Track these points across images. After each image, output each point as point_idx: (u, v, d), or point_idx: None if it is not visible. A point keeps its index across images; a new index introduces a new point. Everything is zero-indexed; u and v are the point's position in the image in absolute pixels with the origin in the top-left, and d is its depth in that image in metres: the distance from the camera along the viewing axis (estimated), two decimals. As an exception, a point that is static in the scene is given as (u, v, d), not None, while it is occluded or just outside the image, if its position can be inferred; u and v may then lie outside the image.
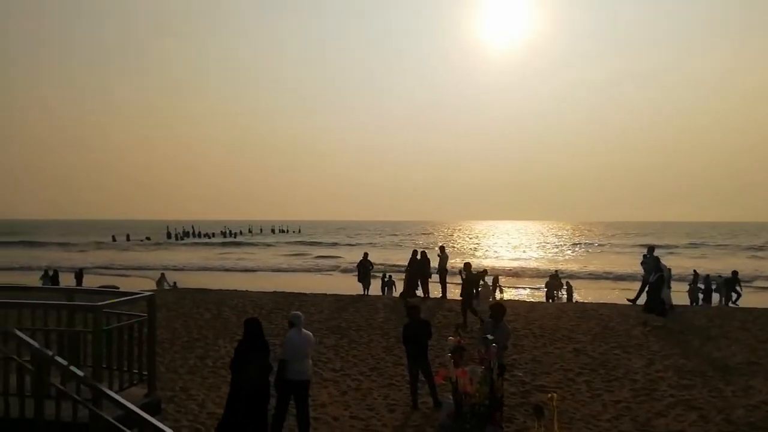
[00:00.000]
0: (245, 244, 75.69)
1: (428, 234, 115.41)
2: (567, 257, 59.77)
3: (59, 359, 4.68)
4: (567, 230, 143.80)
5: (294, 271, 41.99)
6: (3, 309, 5.27)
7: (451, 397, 7.75)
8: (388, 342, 12.68)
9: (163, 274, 29.02)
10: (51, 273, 25.17)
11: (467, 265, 16.09)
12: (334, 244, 75.22)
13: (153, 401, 5.27)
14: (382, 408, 8.47)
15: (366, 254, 22.14)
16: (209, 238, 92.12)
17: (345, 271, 39.04)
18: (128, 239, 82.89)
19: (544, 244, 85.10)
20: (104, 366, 4.94)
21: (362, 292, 20.79)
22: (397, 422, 7.94)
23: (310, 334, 7.47)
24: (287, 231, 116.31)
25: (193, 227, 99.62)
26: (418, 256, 18.96)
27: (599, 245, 75.33)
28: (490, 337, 7.61)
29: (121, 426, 4.42)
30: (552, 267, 36.03)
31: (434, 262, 19.16)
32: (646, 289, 15.73)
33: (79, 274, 25.72)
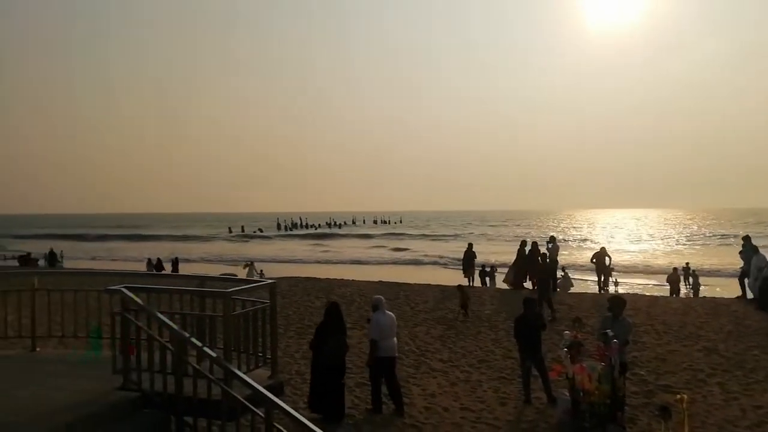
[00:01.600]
0: (348, 235, 77.46)
1: (532, 224, 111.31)
2: (691, 248, 55.06)
3: (195, 341, 5.09)
4: (691, 219, 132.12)
5: (395, 263, 42.13)
6: (145, 293, 5.78)
7: (567, 393, 7.42)
8: (497, 334, 12.44)
9: (252, 263, 30.52)
10: (154, 261, 29.04)
11: (543, 256, 15.59)
12: (426, 236, 74.11)
13: (276, 383, 5.55)
14: (493, 401, 8.32)
15: (470, 245, 21.89)
16: (315, 228, 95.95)
17: (445, 264, 38.63)
18: (243, 230, 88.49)
19: (664, 233, 78.87)
20: (233, 349, 5.27)
21: (467, 283, 20.59)
22: (509, 416, 7.77)
23: (393, 315, 8.24)
24: (389, 222, 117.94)
25: (300, 218, 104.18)
26: (528, 247, 18.40)
27: (727, 235, 68.14)
28: (610, 332, 7.20)
29: (249, 405, 4.72)
30: (675, 259, 33.38)
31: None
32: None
33: (175, 263, 29.51)
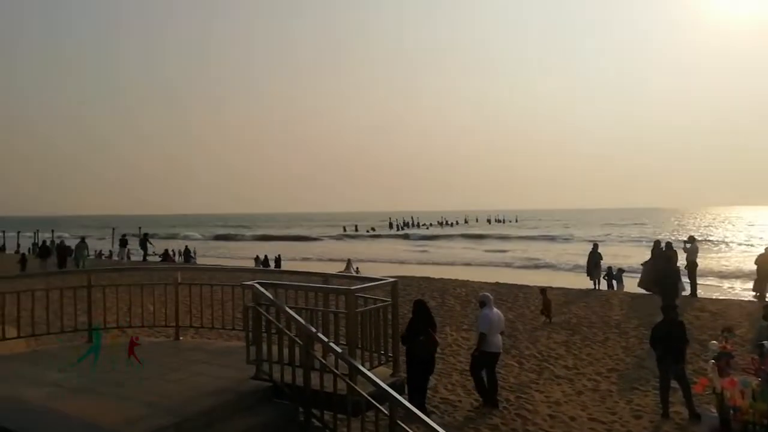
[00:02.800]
0: (461, 235, 76.05)
1: (659, 223, 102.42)
2: None
3: (321, 336, 5.23)
4: None
5: (510, 264, 40.62)
6: (272, 289, 6.06)
7: (713, 409, 6.67)
8: (628, 342, 11.56)
9: (349, 260, 31.44)
10: (262, 258, 33.68)
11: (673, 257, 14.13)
12: (543, 237, 69.30)
13: (398, 381, 5.57)
14: (626, 413, 7.71)
15: (596, 245, 20.63)
16: (427, 227, 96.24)
17: (563, 266, 36.64)
18: (356, 230, 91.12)
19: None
20: (357, 346, 5.36)
21: (592, 286, 19.44)
22: (645, 430, 7.15)
23: (501, 313, 8.58)
24: (503, 221, 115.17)
25: (412, 218, 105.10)
26: (662, 247, 16.97)
27: None
28: (767, 344, 6.37)
29: (373, 401, 4.75)
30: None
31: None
32: None
33: (277, 260, 33.27)
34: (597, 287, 19.49)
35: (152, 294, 8.41)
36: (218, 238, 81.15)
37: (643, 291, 17.61)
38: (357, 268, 29.19)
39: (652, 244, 18.96)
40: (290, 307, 5.59)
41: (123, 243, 38.25)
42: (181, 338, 7.67)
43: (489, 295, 8.54)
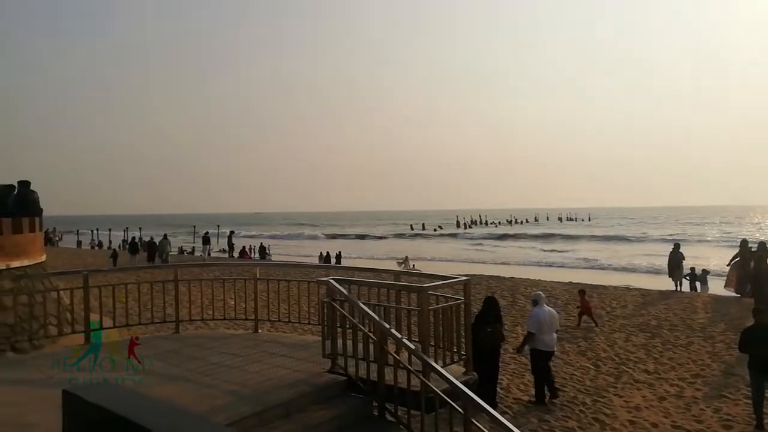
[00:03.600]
0: (530, 234, 73.91)
1: (743, 222, 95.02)
2: None
3: (395, 332, 5.31)
4: None
5: (579, 265, 39.01)
6: (345, 285, 6.19)
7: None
8: (714, 347, 10.91)
9: (406, 257, 31.89)
10: (325, 254, 36.96)
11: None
12: (619, 237, 64.69)
13: (471, 380, 5.54)
14: (714, 422, 7.30)
15: (677, 245, 19.57)
16: (495, 225, 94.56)
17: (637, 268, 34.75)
18: (423, 228, 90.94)
19: None
20: (431, 343, 5.39)
21: (672, 288, 18.47)
22: (735, 442, 6.75)
23: (554, 311, 8.65)
24: (575, 219, 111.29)
25: (480, 216, 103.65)
26: (751, 247, 15.86)
27: None
28: None
29: (447, 398, 4.77)
30: None
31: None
32: None
33: (338, 257, 35.60)
34: (679, 289, 18.49)
35: (232, 288, 8.84)
36: (290, 236, 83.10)
37: (730, 293, 16.57)
38: (414, 264, 29.52)
39: (738, 243, 17.77)
40: (363, 303, 5.70)
41: (205, 240, 40.36)
42: (259, 331, 7.99)
43: (541, 293, 8.76)
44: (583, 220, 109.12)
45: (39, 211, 12.61)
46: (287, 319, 8.31)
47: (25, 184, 12.70)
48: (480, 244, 61.42)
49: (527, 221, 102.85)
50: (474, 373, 5.85)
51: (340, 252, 38.49)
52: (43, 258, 12.91)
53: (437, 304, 5.80)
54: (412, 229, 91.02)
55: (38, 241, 12.96)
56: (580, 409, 7.74)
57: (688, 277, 19.41)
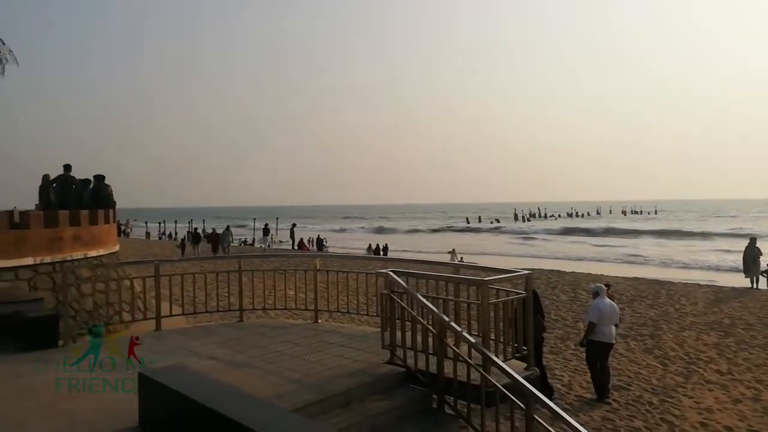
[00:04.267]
0: (591, 229, 70.99)
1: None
2: None
3: (454, 325, 5.27)
4: None
5: (645, 262, 36.85)
6: (404, 277, 6.18)
7: None
8: (796, 348, 10.23)
9: (453, 250, 32.00)
10: (374, 247, 38.51)
11: None
12: (688, 233, 59.54)
13: (532, 376, 5.43)
14: (796, 428, 6.85)
15: (753, 240, 18.45)
16: (555, 219, 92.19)
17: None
18: (480, 221, 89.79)
19: None
20: (491, 337, 5.32)
21: (748, 285, 17.43)
22: (820, 450, 6.32)
23: (615, 304, 8.59)
24: (640, 212, 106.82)
25: (539, 209, 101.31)
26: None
27: None
28: None
29: (509, 393, 4.70)
30: None
31: None
32: None
33: (385, 249, 37.17)
34: (755, 286, 17.43)
35: (291, 279, 9.05)
36: (349, 229, 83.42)
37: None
38: (461, 257, 29.50)
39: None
40: (422, 296, 5.69)
41: (266, 232, 41.57)
42: (319, 321, 8.14)
43: (602, 285, 8.78)
44: (648, 213, 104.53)
45: (112, 204, 13.34)
46: (345, 310, 8.43)
47: (99, 179, 13.46)
48: (531, 237, 59.86)
49: (589, 214, 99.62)
50: (536, 368, 5.74)
51: (386, 245, 39.54)
52: (117, 248, 13.66)
53: (497, 298, 5.71)
54: (467, 222, 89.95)
55: (112, 232, 13.72)
56: (646, 409, 7.46)
57: (765, 274, 18.26)
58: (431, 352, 5.43)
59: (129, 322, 9.24)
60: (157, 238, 58.05)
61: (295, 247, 40.38)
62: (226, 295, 8.35)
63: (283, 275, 8.99)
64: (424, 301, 5.43)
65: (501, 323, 5.59)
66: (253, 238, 50.73)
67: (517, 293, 5.79)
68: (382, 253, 36.49)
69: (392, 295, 5.82)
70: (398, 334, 5.87)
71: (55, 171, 13.27)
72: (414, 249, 45.17)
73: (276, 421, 3.16)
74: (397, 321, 5.89)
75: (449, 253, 32.30)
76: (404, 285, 5.71)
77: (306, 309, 8.63)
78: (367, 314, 8.02)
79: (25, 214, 11.17)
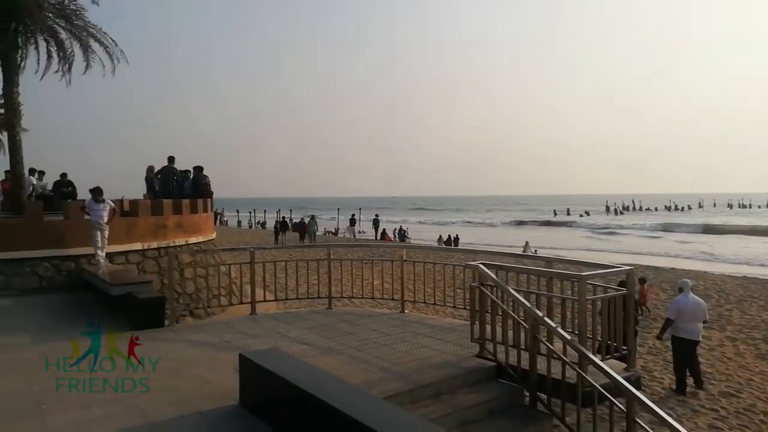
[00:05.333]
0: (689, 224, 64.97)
1: None
2: None
3: (548, 321, 5.08)
4: None
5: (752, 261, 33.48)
6: (493, 269, 6.03)
7: None
8: None
9: (527, 243, 32.37)
10: (445, 238, 38.17)
11: None
12: None
13: (633, 377, 5.13)
14: None
15: None
16: (652, 212, 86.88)
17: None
18: (568, 213, 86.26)
19: None
20: (588, 335, 5.08)
21: None
22: None
23: (700, 300, 8.37)
24: (749, 206, 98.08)
25: (633, 201, 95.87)
26: None
27: None
28: None
29: (607, 394, 4.46)
30: None
31: None
32: None
33: (456, 240, 37.32)
34: None
35: (376, 269, 9.14)
36: (439, 222, 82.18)
37: None
38: (535, 250, 28.81)
39: None
40: (514, 290, 5.52)
41: (352, 222, 42.52)
42: (406, 311, 8.16)
43: (688, 281, 8.53)
44: (759, 206, 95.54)
45: (210, 194, 14.10)
46: (432, 301, 8.39)
47: (198, 170, 14.27)
48: (630, 230, 56.20)
49: (690, 207, 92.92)
50: (636, 369, 5.41)
51: (457, 236, 39.86)
52: (214, 235, 14.45)
53: (593, 294, 5.44)
54: (555, 214, 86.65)
55: (210, 221, 14.52)
56: (760, 419, 6.86)
57: None
58: (523, 347, 5.28)
59: (225, 306, 9.76)
60: (247, 227, 60.93)
61: (378, 237, 40.88)
62: (314, 282, 8.57)
63: (369, 265, 9.07)
64: (517, 295, 5.27)
65: (599, 321, 5.33)
66: (336, 228, 51.94)
67: (618, 290, 5.48)
68: (453, 244, 36.91)
69: (482, 288, 5.70)
70: (488, 327, 5.76)
71: (161, 163, 14.23)
72: (483, 242, 43.35)
73: (378, 413, 3.16)
74: (487, 314, 5.78)
75: (524, 245, 31.85)
76: (495, 278, 5.58)
77: (391, 299, 8.70)
78: (454, 306, 7.94)
79: (134, 203, 12.08)
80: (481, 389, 5.29)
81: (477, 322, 5.82)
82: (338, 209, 68.73)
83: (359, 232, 46.51)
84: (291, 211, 72.87)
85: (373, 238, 40.40)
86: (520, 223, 74.74)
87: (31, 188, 14.82)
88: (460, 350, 5.98)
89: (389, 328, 7.07)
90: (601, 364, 4.53)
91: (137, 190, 14.66)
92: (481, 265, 5.73)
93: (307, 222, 37.46)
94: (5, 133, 17.69)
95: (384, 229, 43.55)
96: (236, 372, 4.51)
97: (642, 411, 4.25)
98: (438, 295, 8.24)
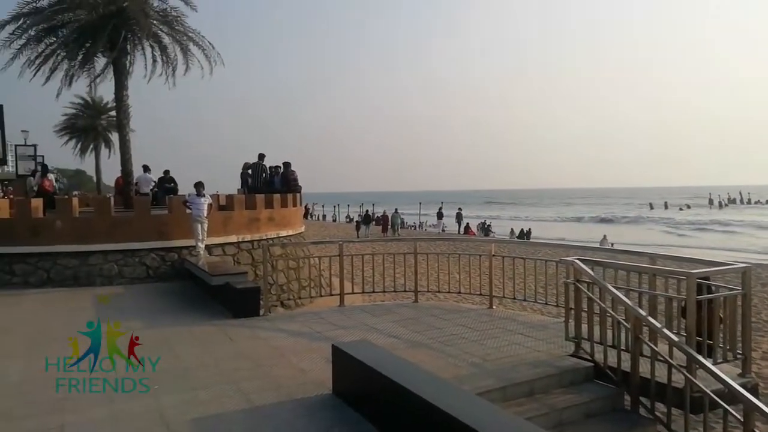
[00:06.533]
0: None
1: None
2: None
3: (653, 321, 4.76)
4: None
5: None
6: (590, 265, 5.74)
7: None
8: None
9: (605, 236, 31.20)
10: (516, 232, 38.16)
11: None
12: None
13: (750, 384, 4.70)
14: None
15: None
16: (762, 204, 79.58)
17: None
18: (666, 207, 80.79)
19: None
20: (698, 337, 4.71)
21: None
22: None
23: None
24: None
25: (740, 193, 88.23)
26: None
27: None
28: None
29: (720, 401, 4.12)
30: None
31: None
32: None
33: (527, 234, 37.13)
34: None
35: (462, 263, 9.01)
36: (517, 218, 79.65)
37: None
38: (612, 243, 27.51)
39: None
40: (618, 288, 5.21)
41: (439, 215, 42.57)
42: (494, 307, 7.99)
43: None
44: None
45: (299, 189, 14.56)
46: (522, 297, 8.16)
47: (287, 165, 14.77)
48: (735, 224, 51.40)
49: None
50: (753, 375, 4.96)
51: (530, 229, 39.56)
52: (303, 229, 14.92)
53: (708, 293, 5.03)
54: (651, 208, 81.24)
55: (299, 214, 15.01)
56: None
57: None
58: (623, 348, 4.99)
59: (315, 297, 10.04)
60: (332, 221, 62.46)
61: (461, 232, 40.45)
62: (398, 275, 8.60)
63: (456, 259, 8.96)
64: (617, 293, 4.98)
65: (713, 322, 4.93)
66: (419, 222, 51.96)
67: (732, 289, 5.04)
68: (525, 237, 36.82)
69: (579, 285, 5.45)
70: (583, 326, 5.51)
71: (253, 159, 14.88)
72: (557, 237, 40.58)
73: (475, 411, 3.09)
74: (583, 312, 5.52)
75: (602, 238, 30.70)
76: (593, 274, 5.31)
77: (478, 294, 8.53)
78: (545, 303, 7.66)
79: (230, 198, 12.72)
80: (578, 390, 5.07)
81: (572, 320, 5.59)
82: (420, 203, 68.74)
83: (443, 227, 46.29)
84: (373, 205, 73.82)
85: (456, 232, 40.02)
86: (603, 220, 66.87)
87: (153, 184, 15.87)
88: (553, 348, 5.77)
89: (477, 323, 6.96)
90: (714, 368, 4.18)
91: (229, 185, 15.43)
92: (577, 261, 5.48)
93: (390, 215, 37.78)
94: (115, 134, 19.18)
95: (468, 224, 43.00)
96: (328, 362, 4.62)
97: (763, 422, 3.89)
98: (529, 291, 8.00)
